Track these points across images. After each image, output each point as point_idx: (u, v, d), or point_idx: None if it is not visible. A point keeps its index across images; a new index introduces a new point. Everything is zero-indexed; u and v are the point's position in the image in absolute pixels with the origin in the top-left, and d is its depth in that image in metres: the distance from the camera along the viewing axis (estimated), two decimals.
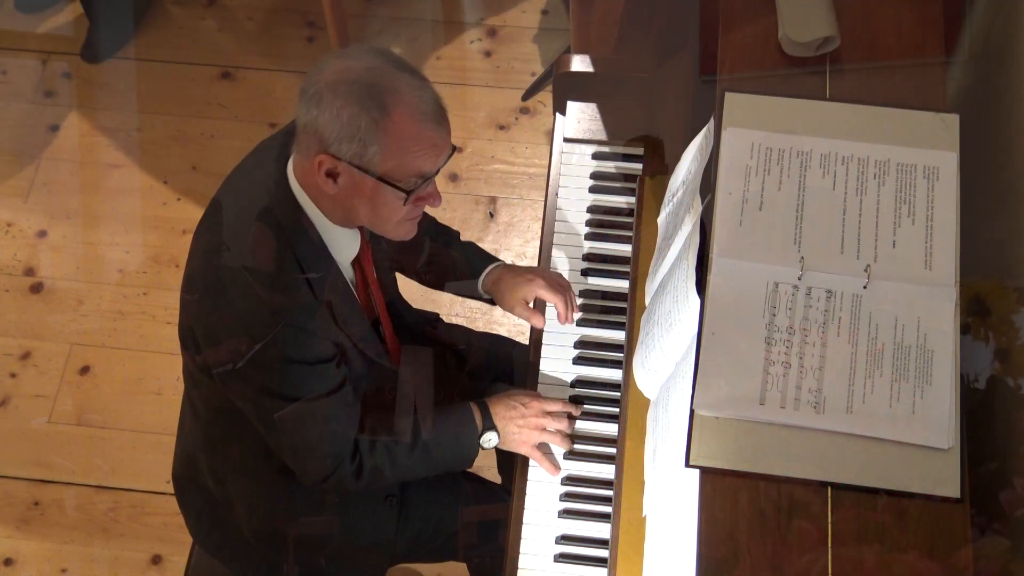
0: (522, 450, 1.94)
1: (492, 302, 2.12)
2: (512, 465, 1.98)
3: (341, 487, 1.89)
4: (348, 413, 1.83)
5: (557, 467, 1.94)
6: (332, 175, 1.67)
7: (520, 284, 2.04)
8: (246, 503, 2.01)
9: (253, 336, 1.72)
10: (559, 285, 2.05)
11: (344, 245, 1.79)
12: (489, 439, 1.93)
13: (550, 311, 2.06)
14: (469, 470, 2.05)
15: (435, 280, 2.15)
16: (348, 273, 1.85)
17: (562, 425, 1.93)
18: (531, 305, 2.06)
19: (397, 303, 2.05)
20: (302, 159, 1.70)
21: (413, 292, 2.20)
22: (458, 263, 2.11)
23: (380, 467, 1.88)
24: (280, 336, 1.72)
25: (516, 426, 1.92)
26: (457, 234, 2.17)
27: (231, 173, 1.86)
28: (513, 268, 2.09)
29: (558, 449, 1.95)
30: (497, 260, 2.12)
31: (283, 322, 1.71)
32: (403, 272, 2.16)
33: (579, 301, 2.08)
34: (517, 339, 2.91)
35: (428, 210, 1.84)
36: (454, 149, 1.73)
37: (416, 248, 2.09)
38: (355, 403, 1.85)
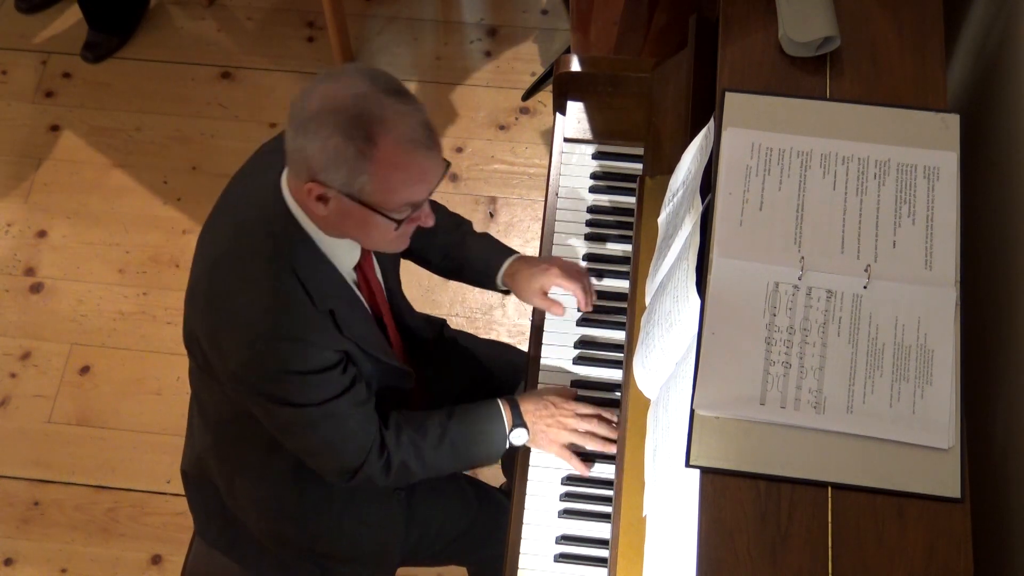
0: (551, 449, 1.93)
1: (508, 292, 2.12)
2: (513, 464, 1.98)
3: (370, 482, 1.88)
4: (363, 411, 1.83)
5: (587, 466, 1.93)
6: (322, 200, 1.65)
7: (536, 275, 2.04)
8: (255, 505, 2.02)
9: (254, 349, 1.71)
10: (576, 272, 2.05)
11: (343, 253, 1.79)
12: (519, 436, 1.93)
13: (569, 300, 2.06)
14: (472, 475, 2.04)
15: (452, 273, 2.16)
16: (351, 277, 1.85)
17: (592, 426, 1.92)
18: (548, 294, 2.06)
19: (401, 306, 2.04)
20: (294, 180, 1.69)
21: (414, 293, 2.21)
22: (476, 258, 2.11)
23: (407, 462, 1.88)
24: (281, 348, 1.71)
25: (545, 424, 1.92)
26: (470, 225, 2.16)
27: (231, 181, 1.86)
28: (529, 260, 2.08)
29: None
30: (513, 252, 2.11)
31: (282, 335, 1.71)
32: (416, 262, 2.15)
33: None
34: (517, 339, 2.93)
35: (439, 198, 1.82)
36: (447, 166, 1.70)
37: (426, 240, 2.09)
38: (369, 400, 1.85)
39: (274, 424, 1.82)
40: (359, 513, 2.02)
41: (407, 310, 2.07)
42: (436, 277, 2.18)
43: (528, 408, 1.93)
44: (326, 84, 1.61)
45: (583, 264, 2.12)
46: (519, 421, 1.92)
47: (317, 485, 1.96)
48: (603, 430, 1.93)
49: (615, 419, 1.94)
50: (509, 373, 2.24)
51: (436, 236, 2.09)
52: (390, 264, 1.97)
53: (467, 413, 1.93)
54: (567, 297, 2.06)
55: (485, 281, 2.12)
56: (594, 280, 2.10)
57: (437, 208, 2.12)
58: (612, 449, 1.92)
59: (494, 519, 2.14)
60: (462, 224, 2.14)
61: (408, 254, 2.12)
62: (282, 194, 1.73)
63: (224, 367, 1.75)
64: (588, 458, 1.94)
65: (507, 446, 1.93)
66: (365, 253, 1.85)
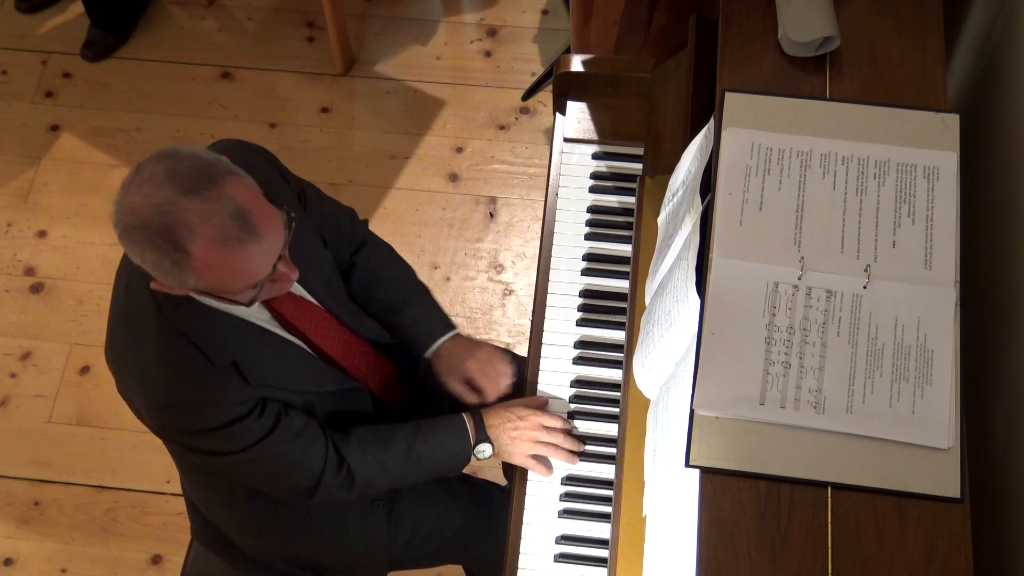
0: (516, 461, 1.93)
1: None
2: (513, 465, 1.98)
3: (332, 499, 1.88)
4: (301, 441, 1.79)
5: (549, 469, 1.93)
6: (177, 291, 1.62)
7: (461, 360, 1.99)
8: (236, 527, 2.02)
9: (159, 414, 1.71)
10: (495, 370, 2.00)
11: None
12: (483, 451, 1.92)
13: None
14: (468, 472, 2.04)
15: (388, 329, 2.04)
16: (262, 315, 1.77)
17: (557, 439, 1.92)
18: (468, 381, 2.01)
19: (346, 320, 1.93)
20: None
21: None
22: (408, 325, 2.02)
23: (372, 479, 1.87)
24: (181, 413, 1.69)
25: (509, 436, 1.91)
26: (423, 290, 2.07)
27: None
28: (460, 342, 2.02)
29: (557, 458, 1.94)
30: (451, 328, 2.04)
31: (178, 400, 1.68)
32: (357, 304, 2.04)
33: (579, 301, 2.08)
34: (516, 339, 2.92)
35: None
36: (291, 219, 1.61)
37: (367, 294, 2.02)
38: (307, 426, 1.80)
39: (213, 468, 1.82)
40: (339, 526, 2.02)
41: (354, 321, 1.96)
42: (434, 278, 2.17)
43: (492, 423, 1.92)
44: (129, 194, 1.55)
45: (582, 264, 2.12)
46: (483, 436, 1.91)
47: (290, 503, 1.95)
48: (568, 443, 1.93)
49: (575, 431, 1.94)
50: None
51: (376, 289, 2.02)
52: (321, 280, 1.88)
53: (433, 427, 1.91)
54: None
55: (414, 348, 2.04)
56: (593, 280, 2.10)
57: (385, 258, 2.04)
58: (575, 462, 1.92)
59: (488, 516, 2.14)
60: (408, 283, 2.06)
61: (351, 298, 2.01)
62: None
63: (145, 424, 1.76)
64: (588, 458, 1.94)
65: (471, 461, 1.93)
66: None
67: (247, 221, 1.55)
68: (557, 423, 1.93)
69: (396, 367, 2.08)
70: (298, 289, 1.83)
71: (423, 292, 2.08)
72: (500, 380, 2.01)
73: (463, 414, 1.93)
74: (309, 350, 1.84)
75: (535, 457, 1.92)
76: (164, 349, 1.67)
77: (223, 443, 1.73)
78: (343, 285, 1.97)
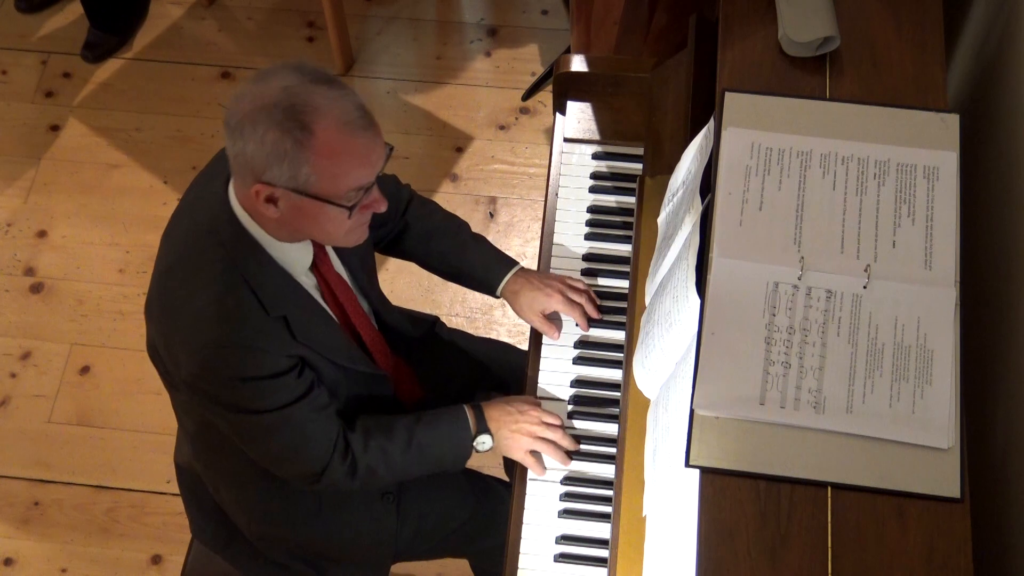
0: (515, 455, 1.93)
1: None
2: (514, 463, 1.98)
3: (335, 487, 1.88)
4: (322, 416, 1.82)
5: (544, 468, 1.94)
6: (271, 201, 1.65)
7: (539, 298, 2.03)
8: (243, 510, 2.02)
9: (204, 357, 1.71)
10: (576, 300, 2.04)
11: (295, 258, 1.77)
12: (483, 442, 1.93)
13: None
14: (471, 467, 2.04)
15: (451, 278, 2.14)
16: (310, 281, 1.82)
17: (556, 436, 1.93)
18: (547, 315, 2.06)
19: (377, 306, 2.01)
20: (240, 187, 1.68)
21: (413, 293, 2.20)
22: (476, 266, 2.09)
23: (374, 467, 1.88)
24: (231, 355, 1.70)
25: (509, 431, 1.92)
26: (468, 228, 2.13)
27: (191, 184, 1.85)
28: (531, 280, 2.06)
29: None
30: (514, 264, 2.09)
31: (231, 342, 1.70)
32: (418, 263, 2.14)
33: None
34: (517, 339, 2.92)
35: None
36: (391, 149, 1.69)
37: (424, 245, 2.08)
38: (330, 405, 1.83)
39: (233, 431, 1.82)
40: (348, 516, 2.02)
41: (385, 308, 2.04)
42: (436, 277, 2.17)
43: (493, 415, 1.93)
44: (255, 85, 1.61)
45: (583, 264, 2.12)
46: (483, 427, 1.92)
47: (301, 489, 1.96)
48: (565, 442, 1.93)
49: (569, 431, 1.96)
50: (507, 372, 2.23)
51: (432, 241, 2.08)
52: (358, 263, 1.94)
53: (434, 418, 1.93)
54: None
55: (485, 290, 2.11)
56: (593, 280, 2.10)
57: (434, 210, 2.11)
58: (568, 463, 1.93)
59: (493, 509, 2.14)
60: (461, 229, 2.12)
61: (407, 257, 2.11)
62: (229, 202, 1.72)
63: (179, 375, 1.76)
64: (588, 459, 1.94)
65: (471, 453, 1.94)
66: (321, 254, 1.83)
67: (368, 115, 1.64)
68: (556, 421, 1.94)
69: (413, 369, 2.11)
70: (339, 266, 1.89)
71: (478, 237, 2.13)
72: (585, 305, 2.03)
73: (464, 406, 1.94)
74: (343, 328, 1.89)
75: (532, 454, 1.93)
76: (224, 292, 1.70)
77: (259, 396, 1.74)
78: (375, 267, 2.02)
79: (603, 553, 1.87)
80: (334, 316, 1.87)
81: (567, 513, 1.92)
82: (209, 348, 1.70)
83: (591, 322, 2.05)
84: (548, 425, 1.93)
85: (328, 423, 1.83)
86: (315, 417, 1.80)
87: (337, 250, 1.88)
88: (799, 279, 1.65)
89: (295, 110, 1.58)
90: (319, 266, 1.82)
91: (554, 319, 2.06)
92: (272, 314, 1.72)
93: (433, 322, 2.22)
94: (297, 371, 1.77)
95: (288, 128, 1.58)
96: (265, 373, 1.72)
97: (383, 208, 1.73)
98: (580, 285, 2.06)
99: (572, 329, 2.07)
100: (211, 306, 1.70)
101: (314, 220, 1.68)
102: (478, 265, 2.09)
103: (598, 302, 2.06)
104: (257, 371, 1.72)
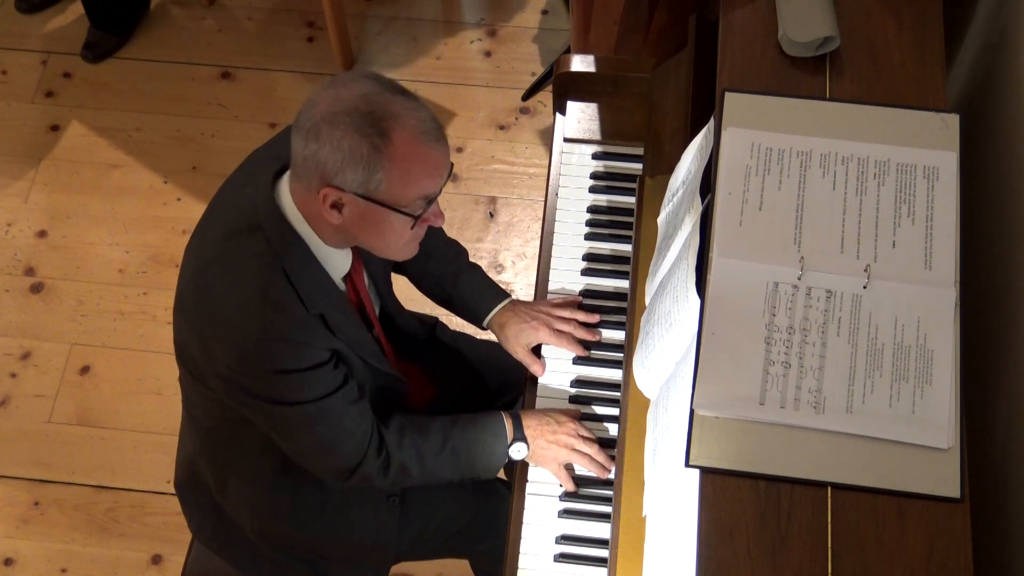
0: (550, 467, 1.93)
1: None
2: (514, 463, 1.98)
3: (367, 482, 1.88)
4: (358, 408, 1.83)
5: (575, 484, 1.93)
6: (337, 206, 1.66)
7: (525, 331, 2.04)
8: (249, 505, 2.02)
9: (244, 350, 1.71)
10: (564, 329, 2.03)
11: (335, 263, 1.79)
12: (518, 450, 1.93)
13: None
14: None
15: (441, 302, 2.15)
16: (340, 287, 1.84)
17: (592, 450, 1.93)
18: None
19: (392, 311, 2.04)
20: (303, 190, 1.69)
21: (414, 293, 2.18)
22: (467, 296, 2.10)
23: (407, 465, 1.88)
24: (271, 348, 1.71)
25: (546, 441, 1.92)
26: (466, 256, 2.15)
27: (220, 190, 1.86)
28: (518, 313, 2.06)
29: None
30: (505, 297, 2.10)
31: (272, 335, 1.71)
32: (410, 280, 2.16)
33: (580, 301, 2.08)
34: None
35: (439, 198, 1.82)
36: (452, 166, 1.73)
37: (421, 265, 2.09)
38: (363, 398, 1.85)
39: (269, 424, 1.82)
40: (352, 517, 2.02)
41: (398, 312, 2.06)
42: None
43: (531, 423, 1.93)
44: (331, 90, 1.63)
45: (582, 264, 2.12)
46: (520, 435, 1.92)
47: (309, 487, 1.96)
48: (601, 457, 1.93)
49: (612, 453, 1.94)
50: (508, 373, 2.23)
51: (431, 262, 2.09)
52: (380, 273, 1.97)
53: (471, 422, 1.93)
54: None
55: (472, 319, 2.12)
56: (593, 280, 2.10)
57: (436, 232, 2.12)
58: (606, 475, 1.92)
59: (494, 511, 2.14)
60: (459, 255, 2.14)
61: (402, 272, 2.12)
62: (276, 199, 1.73)
63: (215, 371, 1.75)
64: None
65: (507, 459, 1.94)
66: (357, 264, 1.85)
67: (440, 126, 1.68)
68: (591, 435, 1.94)
69: (426, 376, 2.12)
70: (367, 282, 1.91)
71: (474, 266, 2.15)
72: (573, 333, 2.03)
73: (502, 412, 1.94)
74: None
75: (566, 467, 1.93)
76: (268, 286, 1.71)
77: (298, 388, 1.75)
78: (391, 280, 2.04)
79: (603, 553, 1.87)
80: (361, 320, 1.89)
81: (567, 513, 1.92)
82: (251, 341, 1.71)
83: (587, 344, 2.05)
84: (585, 439, 1.93)
85: (363, 417, 1.84)
86: (351, 410, 1.81)
87: (367, 258, 1.89)
88: (799, 279, 1.65)
89: (374, 116, 1.60)
90: (352, 275, 1.85)
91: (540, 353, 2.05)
92: (311, 311, 1.74)
93: (434, 324, 2.22)
94: (334, 363, 1.78)
95: (367, 133, 1.60)
96: (304, 365, 1.74)
97: (442, 222, 1.76)
98: (566, 313, 2.05)
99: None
100: (254, 300, 1.71)
101: (376, 228, 1.70)
102: (469, 293, 2.10)
103: (598, 318, 2.05)
104: (297, 364, 1.73)
